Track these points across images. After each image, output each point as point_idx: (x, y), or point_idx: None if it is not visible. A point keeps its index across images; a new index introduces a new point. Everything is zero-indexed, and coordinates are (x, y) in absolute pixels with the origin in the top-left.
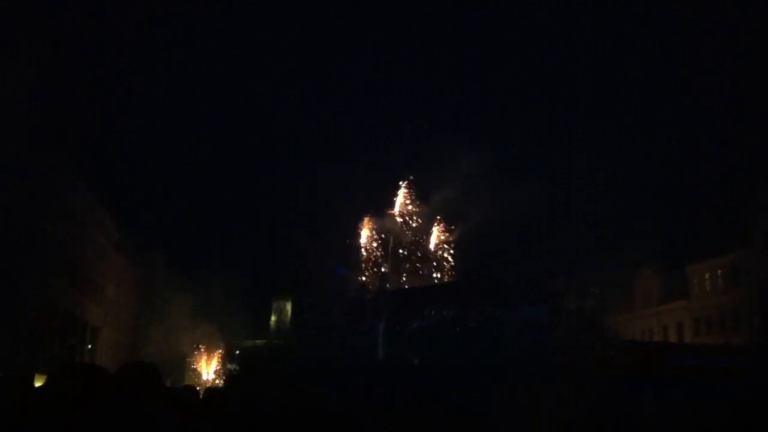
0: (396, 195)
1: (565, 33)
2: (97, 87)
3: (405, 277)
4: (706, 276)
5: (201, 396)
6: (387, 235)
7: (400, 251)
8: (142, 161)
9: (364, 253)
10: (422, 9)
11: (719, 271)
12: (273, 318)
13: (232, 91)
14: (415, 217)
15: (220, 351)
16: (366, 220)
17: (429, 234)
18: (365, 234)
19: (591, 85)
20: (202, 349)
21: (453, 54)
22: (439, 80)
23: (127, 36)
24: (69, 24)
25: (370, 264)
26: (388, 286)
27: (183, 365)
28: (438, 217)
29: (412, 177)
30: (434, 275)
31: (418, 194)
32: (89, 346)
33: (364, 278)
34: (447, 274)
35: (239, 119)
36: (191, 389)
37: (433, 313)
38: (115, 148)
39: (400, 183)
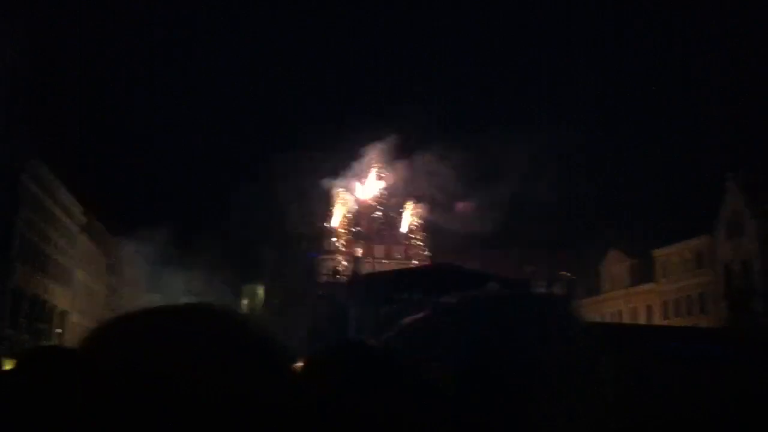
0: (367, 176)
1: (552, 31)
2: (64, 71)
3: (376, 260)
4: (674, 260)
5: None
6: (359, 218)
7: (370, 235)
8: (110, 146)
9: (337, 237)
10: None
11: (686, 256)
12: (245, 302)
13: (209, 77)
14: (385, 201)
15: None
16: (337, 194)
17: (400, 216)
18: (337, 217)
19: (567, 76)
20: None
21: (438, 44)
22: (424, 67)
23: (97, 19)
24: (36, 6)
25: (342, 247)
26: (360, 266)
27: None
28: (410, 199)
29: (381, 163)
30: (405, 258)
31: (390, 176)
32: (58, 331)
33: (336, 262)
34: (418, 258)
35: (210, 104)
36: None
37: (404, 297)
38: (82, 132)
39: (374, 166)
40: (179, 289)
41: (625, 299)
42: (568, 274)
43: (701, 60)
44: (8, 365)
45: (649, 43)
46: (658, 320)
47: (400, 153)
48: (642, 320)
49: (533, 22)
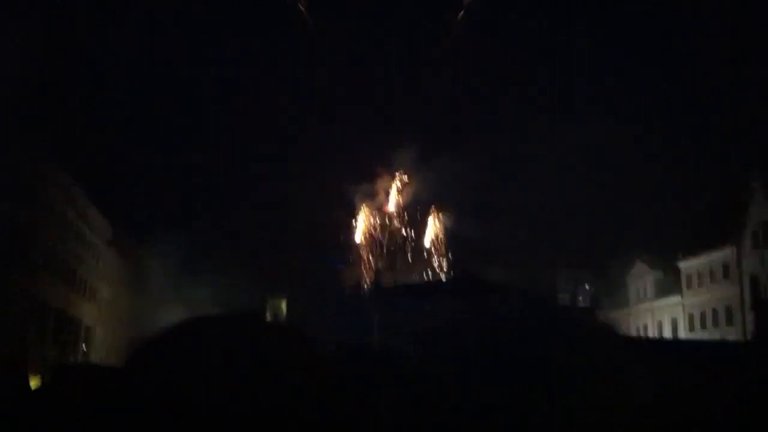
0: (390, 186)
1: (574, 33)
2: (86, 82)
3: (398, 272)
4: (700, 272)
5: None
6: (382, 231)
7: (393, 247)
8: (134, 158)
9: (359, 248)
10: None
11: (712, 267)
12: (268, 315)
13: (222, 83)
14: (408, 211)
15: None
16: (365, 210)
17: (424, 227)
18: (361, 228)
19: (586, 79)
20: None
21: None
22: (435, 67)
23: (116, 29)
24: (59, 19)
25: (366, 259)
26: (382, 279)
27: None
28: (433, 208)
29: (405, 171)
30: (428, 270)
31: (413, 186)
32: (83, 345)
33: (358, 274)
34: (441, 270)
35: (231, 113)
36: None
37: (425, 310)
38: (106, 145)
39: (396, 176)
40: (204, 302)
41: (651, 312)
42: (593, 287)
43: (728, 67)
44: (35, 380)
45: (677, 50)
46: (683, 333)
47: (424, 162)
48: (667, 333)
49: (554, 23)
